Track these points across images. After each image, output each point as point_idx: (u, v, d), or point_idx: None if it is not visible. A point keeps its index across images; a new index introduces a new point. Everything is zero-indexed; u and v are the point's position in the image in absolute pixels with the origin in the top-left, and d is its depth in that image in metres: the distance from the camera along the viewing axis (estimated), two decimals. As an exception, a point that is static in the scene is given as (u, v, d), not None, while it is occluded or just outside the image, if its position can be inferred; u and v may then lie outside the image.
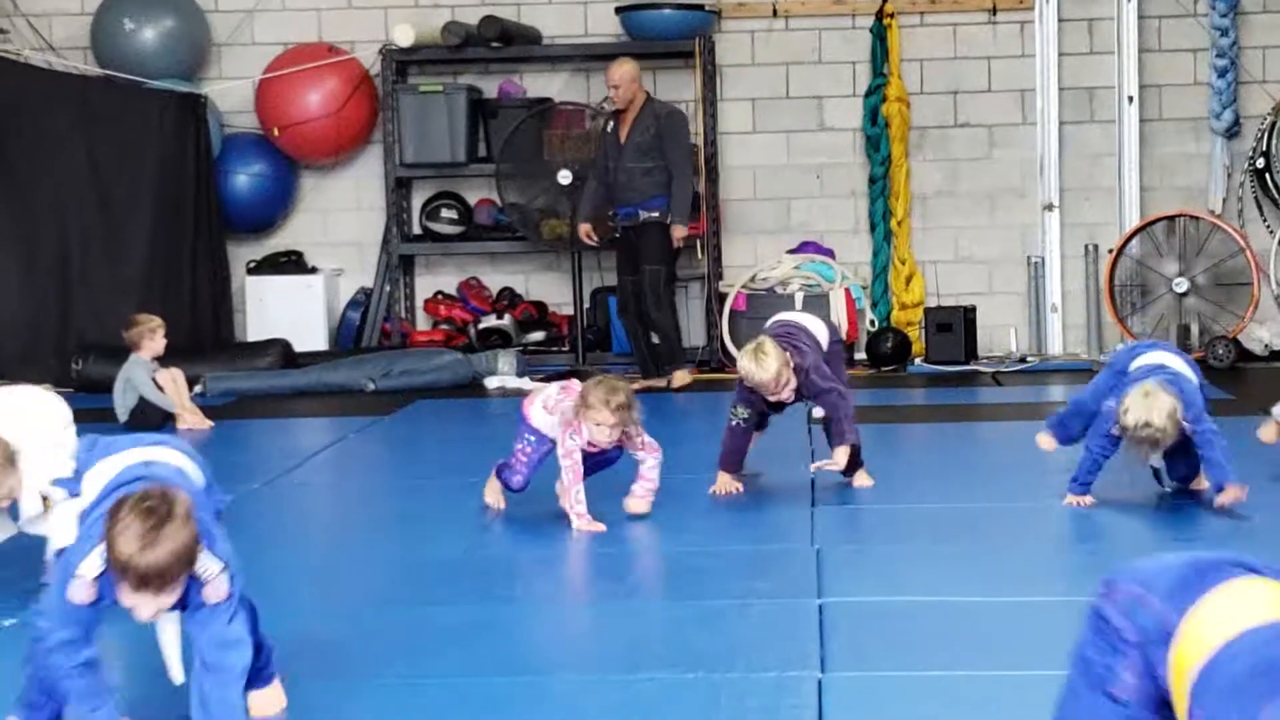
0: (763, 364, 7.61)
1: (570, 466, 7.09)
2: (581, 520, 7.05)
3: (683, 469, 8.10)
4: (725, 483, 7.82)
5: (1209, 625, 3.15)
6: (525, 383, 12.71)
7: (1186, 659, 3.15)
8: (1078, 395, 7.88)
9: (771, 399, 7.75)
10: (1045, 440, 7.90)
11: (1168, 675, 3.20)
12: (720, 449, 7.91)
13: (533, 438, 7.31)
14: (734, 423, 7.87)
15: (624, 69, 12.33)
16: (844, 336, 8.48)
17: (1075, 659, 3.41)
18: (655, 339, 12.46)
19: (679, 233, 12.22)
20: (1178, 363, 7.37)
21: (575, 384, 7.29)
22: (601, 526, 7.02)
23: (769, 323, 8.28)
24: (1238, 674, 3.04)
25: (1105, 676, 3.33)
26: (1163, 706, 3.24)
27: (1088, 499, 7.35)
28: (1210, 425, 7.14)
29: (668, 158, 12.22)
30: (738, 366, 7.82)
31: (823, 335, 8.06)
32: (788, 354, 7.66)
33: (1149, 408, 6.91)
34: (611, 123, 12.43)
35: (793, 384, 7.67)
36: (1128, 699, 3.30)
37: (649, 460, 7.25)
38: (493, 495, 7.56)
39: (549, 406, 7.25)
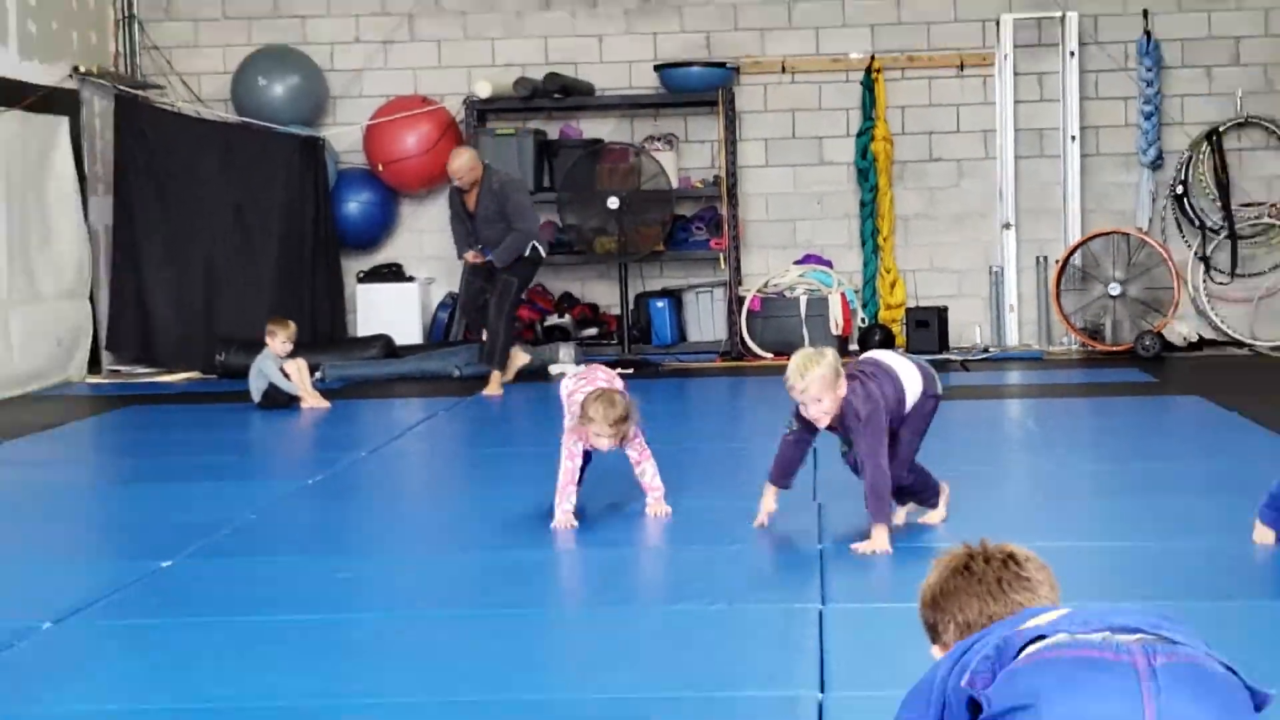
0: (806, 371, 5.68)
1: (569, 469, 6.37)
2: (564, 517, 6.29)
3: (684, 439, 8.04)
4: (764, 507, 6.08)
5: None
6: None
7: None
8: None
9: (803, 414, 5.83)
10: (1263, 534, 5.47)
11: None
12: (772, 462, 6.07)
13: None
14: (785, 432, 5.97)
15: (459, 161, 11.25)
16: (938, 391, 6.01)
17: None
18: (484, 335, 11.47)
19: (496, 262, 11.14)
20: None
21: (597, 369, 6.70)
22: (575, 523, 6.29)
23: (862, 356, 6.12)
24: None
25: None
26: None
27: None
28: None
29: (509, 220, 11.26)
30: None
31: (912, 386, 5.91)
32: (843, 380, 5.73)
33: None
34: (460, 196, 11.38)
35: (829, 408, 5.72)
36: None
37: (648, 470, 6.46)
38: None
39: (569, 390, 6.63)
